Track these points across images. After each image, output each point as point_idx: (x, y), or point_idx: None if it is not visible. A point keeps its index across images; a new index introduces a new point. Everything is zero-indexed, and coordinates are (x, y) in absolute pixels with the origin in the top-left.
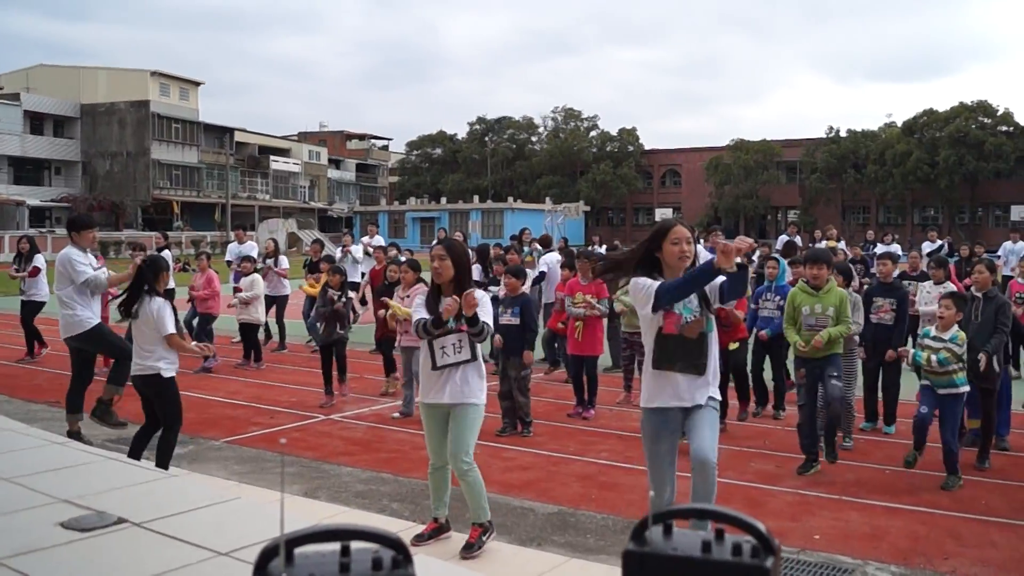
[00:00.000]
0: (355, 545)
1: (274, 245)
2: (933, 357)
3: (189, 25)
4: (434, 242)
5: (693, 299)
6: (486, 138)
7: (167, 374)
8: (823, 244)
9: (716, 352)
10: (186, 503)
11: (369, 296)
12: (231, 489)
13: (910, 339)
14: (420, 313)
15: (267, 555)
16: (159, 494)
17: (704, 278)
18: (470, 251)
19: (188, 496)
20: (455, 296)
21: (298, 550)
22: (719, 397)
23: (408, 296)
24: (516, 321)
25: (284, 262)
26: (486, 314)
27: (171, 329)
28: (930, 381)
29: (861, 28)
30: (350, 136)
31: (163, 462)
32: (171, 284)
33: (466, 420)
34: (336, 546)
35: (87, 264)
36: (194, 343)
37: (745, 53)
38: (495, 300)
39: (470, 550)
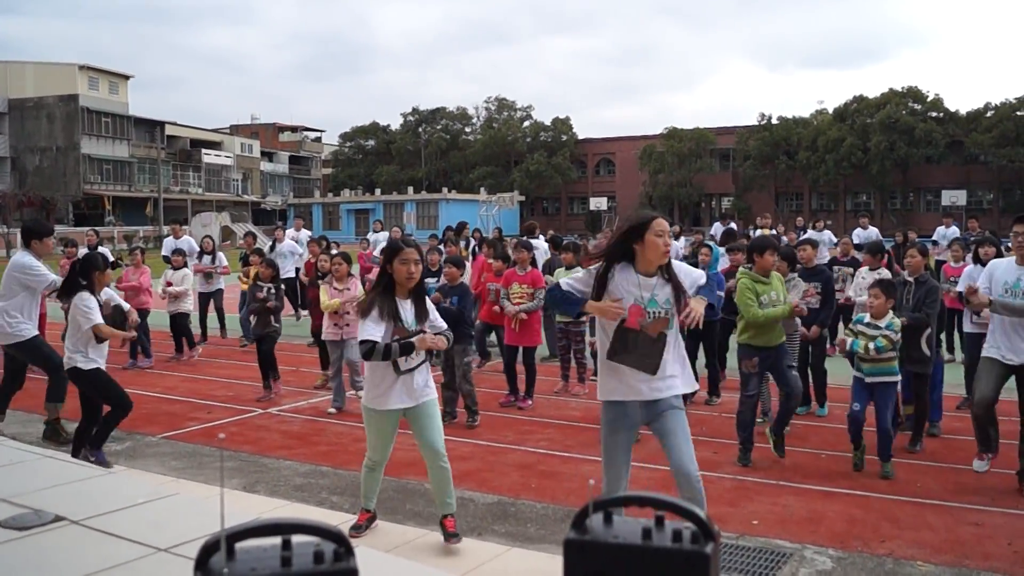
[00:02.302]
0: (296, 539)
1: (212, 243)
2: (871, 345)
3: (118, 18)
4: (371, 235)
5: (663, 295)
6: (420, 129)
7: (85, 367)
8: (759, 232)
9: (678, 350)
10: (124, 500)
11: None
12: (169, 485)
13: (841, 325)
14: (373, 334)
15: (208, 550)
16: (96, 491)
17: (572, 309)
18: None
19: (126, 493)
20: (433, 337)
21: (239, 545)
22: (686, 391)
23: (348, 288)
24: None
25: (222, 259)
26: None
27: (97, 320)
28: (862, 371)
29: (793, 15)
30: (282, 128)
31: (98, 440)
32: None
33: (436, 413)
34: (277, 540)
35: (43, 269)
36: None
37: (678, 41)
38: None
39: (456, 538)
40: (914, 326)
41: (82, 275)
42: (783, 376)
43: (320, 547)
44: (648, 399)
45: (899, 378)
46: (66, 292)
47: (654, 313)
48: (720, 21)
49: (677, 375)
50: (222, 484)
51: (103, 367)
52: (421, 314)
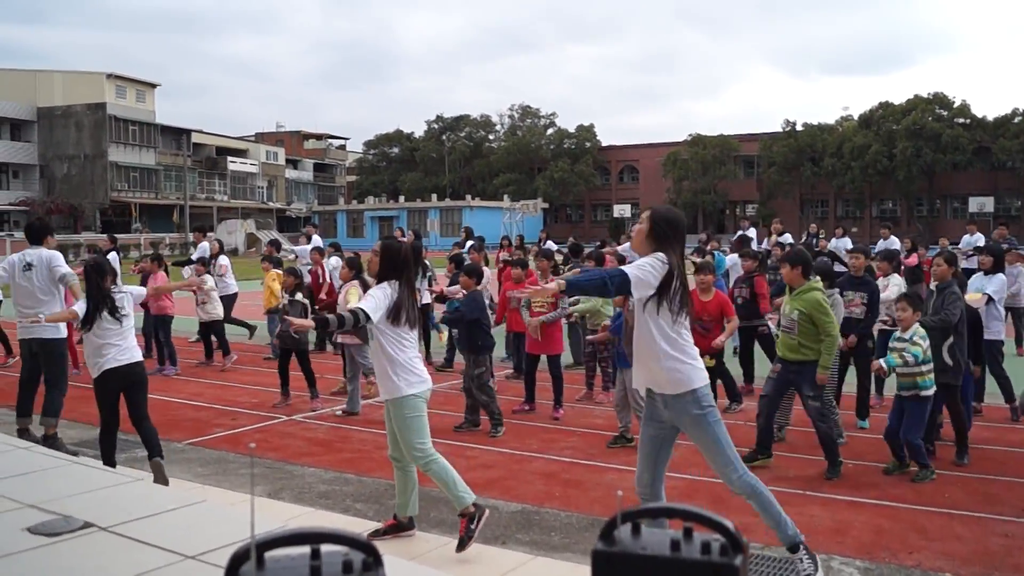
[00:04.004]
0: (325, 548)
1: (219, 246)
2: (908, 356)
3: (145, 27)
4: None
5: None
6: (444, 136)
7: (139, 356)
8: (775, 239)
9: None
10: (152, 507)
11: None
12: (197, 491)
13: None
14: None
15: (238, 559)
16: (125, 498)
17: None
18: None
19: (154, 500)
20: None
21: (268, 554)
22: (697, 385)
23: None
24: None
25: (223, 260)
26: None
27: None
28: (900, 386)
29: (816, 21)
30: (307, 136)
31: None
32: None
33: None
34: (307, 549)
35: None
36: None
37: (701, 48)
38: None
39: (462, 545)
40: (934, 329)
41: (96, 281)
42: (804, 404)
43: (349, 556)
44: (657, 391)
45: (932, 391)
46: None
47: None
48: (743, 27)
49: (674, 370)
50: (252, 493)
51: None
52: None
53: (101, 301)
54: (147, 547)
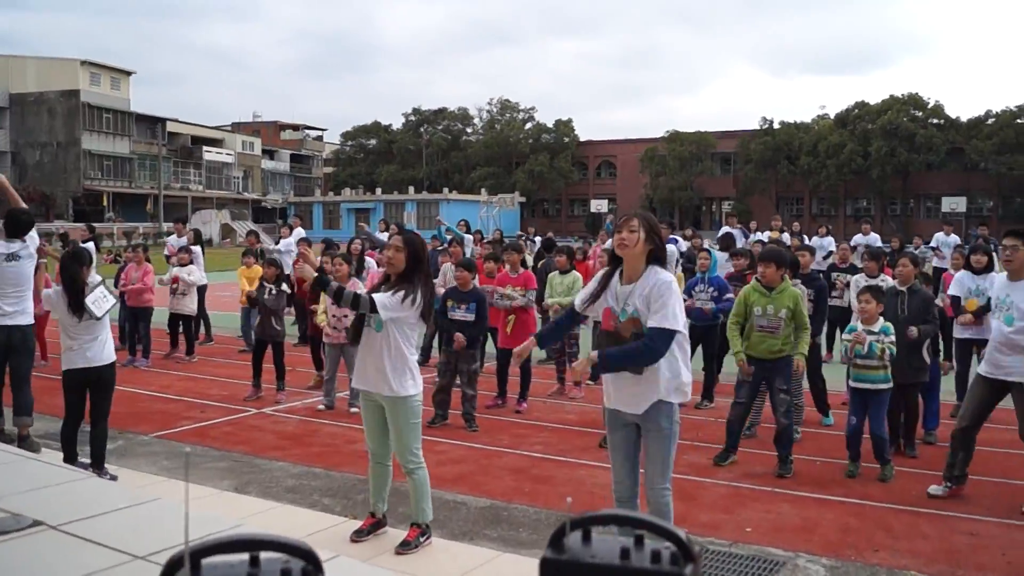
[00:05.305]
0: (265, 555)
1: (194, 236)
2: (888, 353)
3: (122, 13)
4: (377, 234)
5: (633, 297)
6: (421, 129)
7: (110, 357)
8: (766, 236)
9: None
10: (105, 504)
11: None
12: (157, 486)
13: (838, 331)
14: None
15: (173, 566)
16: (77, 495)
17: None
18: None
19: (107, 497)
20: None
21: (206, 560)
22: (672, 400)
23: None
24: (471, 317)
25: (195, 249)
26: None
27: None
28: (858, 378)
29: (797, 21)
30: (284, 127)
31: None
32: (95, 277)
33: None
34: (245, 556)
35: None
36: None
37: (682, 45)
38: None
39: (406, 547)
40: (927, 337)
41: (75, 270)
42: (772, 396)
43: (288, 564)
44: (626, 411)
45: (891, 385)
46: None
47: (623, 317)
48: (724, 25)
49: (652, 387)
50: (187, 504)
51: None
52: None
53: (78, 292)
54: (97, 547)
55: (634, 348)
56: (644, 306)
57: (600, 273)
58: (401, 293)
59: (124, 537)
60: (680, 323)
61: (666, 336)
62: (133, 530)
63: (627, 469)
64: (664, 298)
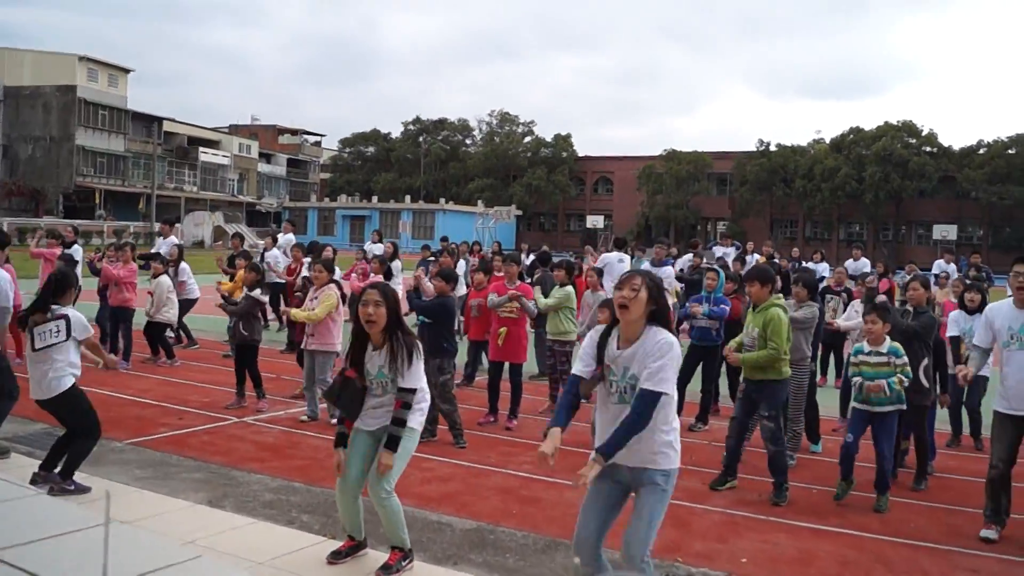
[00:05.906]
0: None
1: (178, 252)
2: (902, 376)
3: (128, 12)
4: (368, 244)
5: (633, 363)
6: (420, 138)
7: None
8: (757, 258)
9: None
10: (51, 527)
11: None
12: (124, 497)
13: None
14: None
15: None
16: (21, 517)
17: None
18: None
19: (54, 519)
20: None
21: None
22: (663, 466)
23: (316, 297)
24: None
25: (184, 267)
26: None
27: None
28: (866, 401)
29: (794, 45)
30: (282, 131)
31: (69, 470)
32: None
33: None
34: None
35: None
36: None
37: (681, 64)
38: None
39: (387, 571)
40: (908, 335)
41: (56, 293)
42: (760, 422)
43: None
44: (622, 463)
45: (904, 407)
46: (40, 309)
47: (615, 383)
48: (723, 47)
49: (656, 451)
50: (106, 542)
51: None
52: (394, 365)
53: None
54: None
55: (626, 427)
56: (641, 369)
57: (596, 334)
58: (409, 358)
59: (69, 567)
60: (671, 388)
61: (653, 399)
62: (80, 558)
63: (592, 517)
64: (663, 360)
